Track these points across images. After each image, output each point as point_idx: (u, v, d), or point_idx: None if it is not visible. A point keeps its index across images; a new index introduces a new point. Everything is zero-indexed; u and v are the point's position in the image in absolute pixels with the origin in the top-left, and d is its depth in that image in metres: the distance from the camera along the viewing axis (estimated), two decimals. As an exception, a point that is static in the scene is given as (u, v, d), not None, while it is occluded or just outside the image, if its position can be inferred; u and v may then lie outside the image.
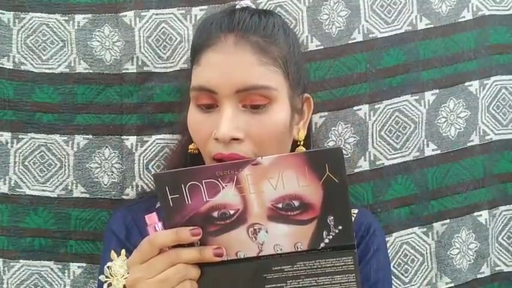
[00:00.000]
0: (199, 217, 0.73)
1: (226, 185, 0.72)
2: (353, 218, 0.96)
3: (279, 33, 0.90)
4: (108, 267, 0.93)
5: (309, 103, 0.97)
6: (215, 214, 0.73)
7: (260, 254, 0.73)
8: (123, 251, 0.92)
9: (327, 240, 0.72)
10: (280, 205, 0.72)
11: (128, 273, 0.86)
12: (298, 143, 0.94)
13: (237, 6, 0.96)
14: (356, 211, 0.98)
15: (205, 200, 0.72)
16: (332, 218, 0.72)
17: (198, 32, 0.92)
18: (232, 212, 0.73)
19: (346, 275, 0.73)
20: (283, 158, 0.72)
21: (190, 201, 0.72)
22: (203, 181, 0.71)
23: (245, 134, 0.84)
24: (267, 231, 0.73)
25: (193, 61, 0.90)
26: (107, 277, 0.93)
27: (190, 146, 0.94)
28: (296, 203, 0.72)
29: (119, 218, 0.97)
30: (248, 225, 0.73)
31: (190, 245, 0.73)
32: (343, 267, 0.73)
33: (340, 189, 0.71)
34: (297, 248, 0.73)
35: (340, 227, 0.72)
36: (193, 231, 0.72)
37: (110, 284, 0.92)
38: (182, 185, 0.71)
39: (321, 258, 0.73)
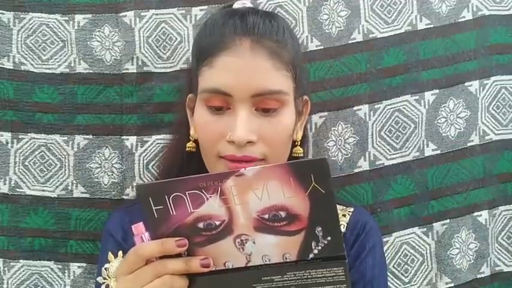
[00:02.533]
0: (185, 228, 0.72)
1: (210, 196, 0.71)
2: (348, 216, 0.97)
3: (288, 37, 0.91)
4: (105, 268, 0.93)
5: (308, 105, 0.98)
6: (201, 225, 0.72)
7: (248, 265, 0.73)
8: (120, 253, 0.93)
9: (316, 251, 0.72)
10: (266, 216, 0.71)
11: None
12: (296, 143, 0.94)
13: (235, 6, 0.96)
14: (352, 209, 0.99)
15: (189, 211, 0.72)
16: (320, 229, 0.71)
17: (207, 33, 0.91)
18: (218, 223, 0.72)
19: (337, 286, 0.73)
20: (267, 169, 0.71)
21: (174, 212, 0.71)
22: (187, 192, 0.71)
23: (258, 136, 0.85)
24: (254, 242, 0.72)
25: (201, 62, 0.89)
26: (104, 278, 0.93)
27: (188, 144, 0.94)
28: (283, 214, 0.71)
29: (116, 219, 0.97)
30: (235, 236, 0.72)
31: (178, 255, 0.73)
32: (334, 277, 0.72)
33: (326, 200, 0.70)
34: (286, 258, 0.72)
35: (329, 238, 0.71)
36: (179, 242, 0.72)
37: (107, 286, 0.93)
38: (166, 196, 0.71)
39: (311, 269, 0.72)
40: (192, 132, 0.94)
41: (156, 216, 0.72)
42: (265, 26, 0.88)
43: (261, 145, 0.86)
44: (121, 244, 0.94)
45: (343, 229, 0.95)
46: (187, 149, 0.94)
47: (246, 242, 0.72)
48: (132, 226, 0.75)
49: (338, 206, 0.97)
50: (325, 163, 0.70)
